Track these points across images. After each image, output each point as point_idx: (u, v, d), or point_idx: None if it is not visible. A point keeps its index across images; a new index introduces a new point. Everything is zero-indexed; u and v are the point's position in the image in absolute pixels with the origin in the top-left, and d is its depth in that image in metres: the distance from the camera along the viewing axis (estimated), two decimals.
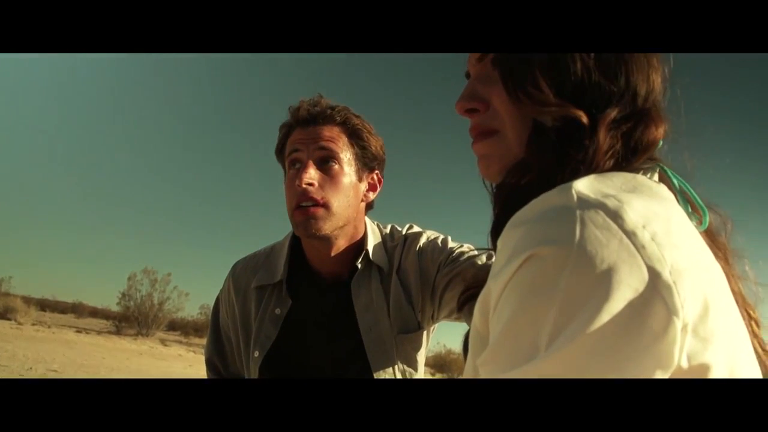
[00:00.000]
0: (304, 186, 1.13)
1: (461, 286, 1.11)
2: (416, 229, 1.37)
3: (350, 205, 1.20)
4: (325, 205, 1.15)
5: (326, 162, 1.17)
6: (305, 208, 1.14)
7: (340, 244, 1.22)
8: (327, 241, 1.19)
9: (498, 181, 0.64)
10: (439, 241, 1.29)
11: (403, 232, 1.34)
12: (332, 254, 1.22)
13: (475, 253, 1.22)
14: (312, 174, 1.15)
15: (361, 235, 1.26)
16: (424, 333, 1.26)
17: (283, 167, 1.25)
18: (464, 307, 0.75)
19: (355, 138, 1.22)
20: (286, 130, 1.23)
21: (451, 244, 1.28)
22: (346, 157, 1.19)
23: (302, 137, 1.18)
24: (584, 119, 0.55)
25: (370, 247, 1.25)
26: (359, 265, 1.23)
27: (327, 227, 1.15)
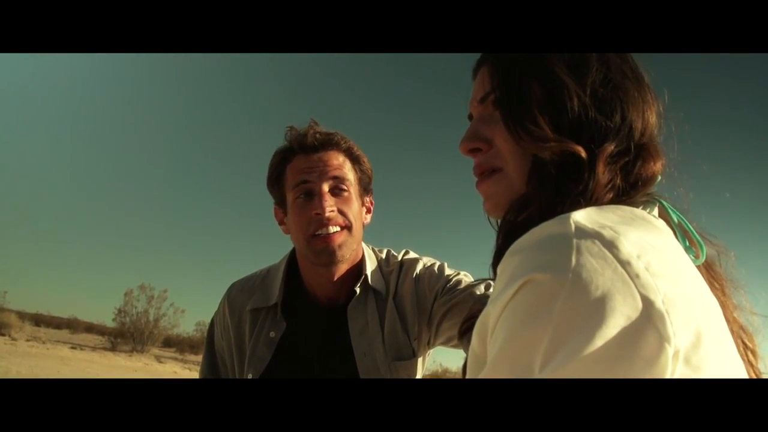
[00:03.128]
0: (327, 215, 1.14)
1: (460, 316, 1.11)
2: (412, 254, 1.37)
3: (360, 228, 1.23)
4: (347, 230, 1.18)
5: (339, 188, 1.19)
6: (327, 236, 1.15)
7: (342, 268, 1.23)
8: (335, 265, 1.20)
9: (501, 217, 0.66)
10: (436, 268, 1.29)
11: (399, 258, 1.35)
12: (334, 278, 1.22)
13: (473, 282, 1.23)
14: (331, 202, 1.16)
15: (359, 259, 1.28)
16: (419, 360, 1.26)
17: (280, 195, 1.25)
18: (464, 336, 0.77)
19: (357, 163, 1.25)
20: (285, 156, 1.23)
21: (448, 271, 1.28)
22: (353, 182, 1.22)
23: (310, 165, 1.19)
24: (582, 153, 0.58)
25: (368, 272, 1.26)
26: (358, 290, 1.23)
27: (347, 252, 1.18)
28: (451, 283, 1.23)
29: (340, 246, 1.16)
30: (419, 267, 1.29)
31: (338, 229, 1.16)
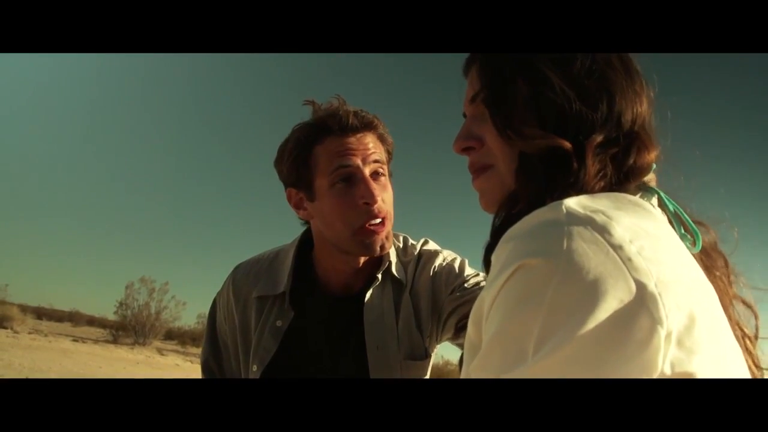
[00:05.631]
0: (379, 204, 1.07)
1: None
2: (432, 245, 1.30)
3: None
4: (389, 218, 1.11)
5: (378, 174, 1.11)
6: (375, 227, 1.08)
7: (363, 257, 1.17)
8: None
9: (495, 212, 0.66)
10: (456, 265, 1.22)
11: (418, 248, 1.27)
12: (358, 267, 1.17)
13: None
14: (377, 189, 1.08)
15: None
16: (430, 361, 1.20)
17: (304, 177, 1.12)
18: (461, 332, 0.77)
19: (386, 144, 1.17)
20: (314, 135, 1.11)
21: (468, 270, 1.21)
22: (386, 165, 1.15)
23: (350, 148, 1.08)
24: (567, 146, 0.58)
25: (393, 260, 1.20)
26: (379, 277, 1.17)
27: (391, 243, 1.12)
28: (469, 283, 1.17)
29: (387, 237, 1.09)
30: (438, 261, 1.22)
31: (381, 219, 1.08)
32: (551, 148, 0.59)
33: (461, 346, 1.18)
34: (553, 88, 0.60)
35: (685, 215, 0.59)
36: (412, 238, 1.31)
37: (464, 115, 0.72)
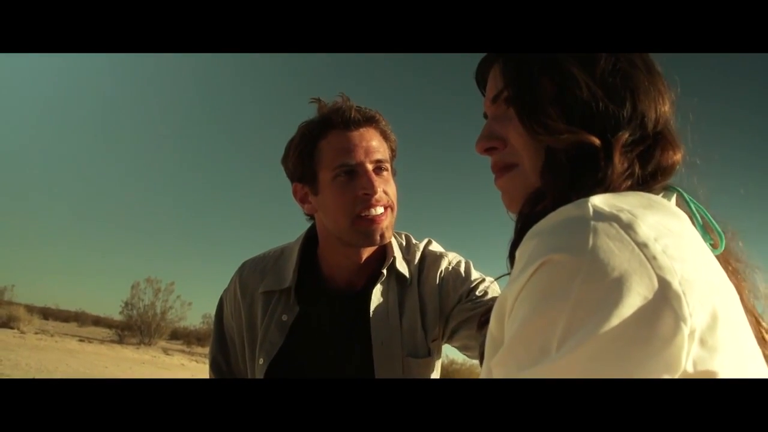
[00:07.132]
0: (378, 195, 1.10)
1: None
2: (436, 247, 1.31)
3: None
4: (391, 210, 1.14)
5: (380, 168, 1.14)
6: (375, 217, 1.11)
7: (371, 249, 1.20)
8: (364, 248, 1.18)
9: (518, 211, 0.66)
10: (462, 269, 1.24)
11: (421, 248, 1.29)
12: (362, 261, 1.19)
13: (498, 291, 1.18)
14: (378, 181, 1.12)
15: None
16: (436, 361, 1.21)
17: (309, 171, 1.17)
18: (482, 328, 0.77)
19: (389, 141, 1.20)
20: (319, 130, 1.15)
21: (474, 274, 1.24)
22: (389, 160, 1.18)
23: (352, 142, 1.12)
24: (596, 142, 0.58)
25: (397, 255, 1.22)
26: (384, 272, 1.19)
27: (391, 234, 1.15)
28: (478, 290, 1.19)
29: (387, 227, 1.13)
30: (444, 265, 1.24)
31: (382, 210, 1.12)
32: (579, 144, 0.59)
33: (468, 355, 1.19)
34: (579, 86, 0.60)
35: (709, 215, 0.60)
36: (415, 238, 1.33)
37: (485, 116, 0.72)
